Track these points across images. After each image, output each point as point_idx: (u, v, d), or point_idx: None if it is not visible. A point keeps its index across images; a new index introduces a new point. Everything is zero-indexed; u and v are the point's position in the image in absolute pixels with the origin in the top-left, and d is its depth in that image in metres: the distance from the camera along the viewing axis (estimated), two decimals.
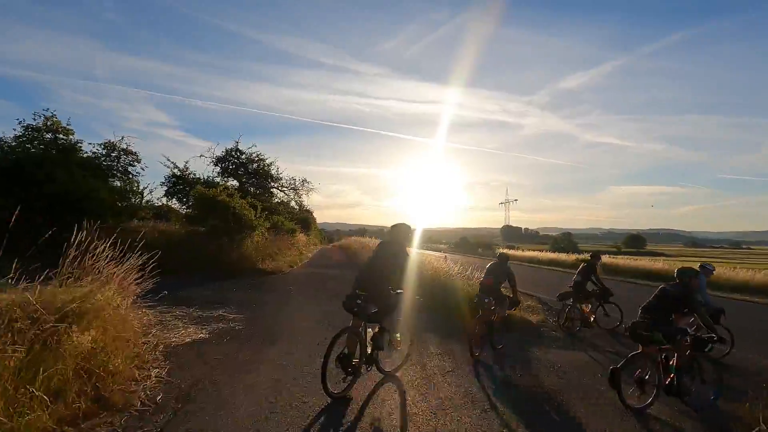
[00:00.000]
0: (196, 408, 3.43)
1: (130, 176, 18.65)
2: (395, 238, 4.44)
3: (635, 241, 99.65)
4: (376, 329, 4.23)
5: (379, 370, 4.34)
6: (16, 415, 2.65)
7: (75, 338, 3.33)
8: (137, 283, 5.20)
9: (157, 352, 4.67)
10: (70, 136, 16.64)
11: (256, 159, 22.92)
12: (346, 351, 3.89)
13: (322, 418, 3.43)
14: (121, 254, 5.23)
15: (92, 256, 4.47)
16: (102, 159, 17.35)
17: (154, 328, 5.84)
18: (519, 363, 5.39)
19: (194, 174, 21.16)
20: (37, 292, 3.37)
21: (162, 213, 19.58)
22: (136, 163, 18.56)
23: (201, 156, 22.02)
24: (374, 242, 21.61)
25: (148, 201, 21.08)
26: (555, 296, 8.32)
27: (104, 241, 4.64)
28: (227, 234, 13.32)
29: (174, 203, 20.93)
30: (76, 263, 4.29)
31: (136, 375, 3.83)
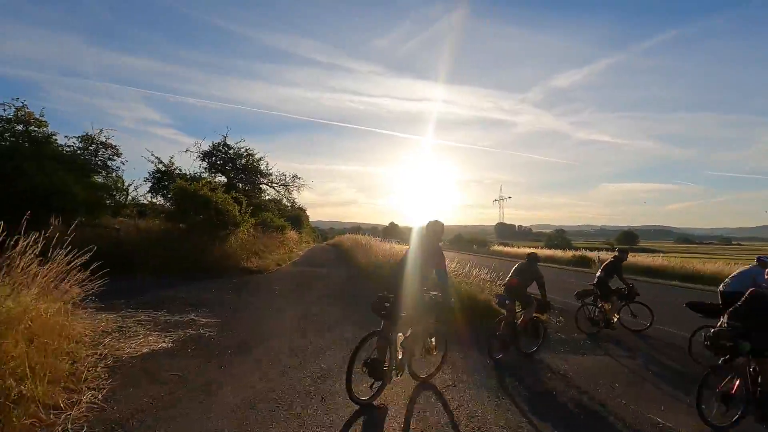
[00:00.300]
0: None
1: (110, 171, 17.80)
2: (430, 237, 4.09)
3: (628, 238, 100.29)
4: (408, 333, 3.97)
5: (412, 376, 4.09)
6: None
7: None
8: (81, 285, 4.45)
9: (100, 368, 3.92)
10: (44, 128, 15.74)
11: (245, 154, 22.07)
12: (374, 355, 3.67)
13: None
14: (71, 254, 4.52)
15: (21, 256, 3.75)
16: (78, 152, 16.44)
17: (109, 337, 5.10)
18: (529, 372, 4.75)
19: (180, 169, 20.29)
20: None
21: (146, 210, 18.71)
22: (116, 157, 17.69)
23: (187, 151, 21.12)
24: (366, 239, 20.89)
25: (134, 198, 20.21)
26: (559, 294, 7.71)
27: (36, 239, 3.91)
28: (209, 231, 12.54)
29: (159, 200, 20.08)
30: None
31: (60, 401, 3.08)
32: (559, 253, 30.81)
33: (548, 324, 7.48)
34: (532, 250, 8.50)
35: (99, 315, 5.99)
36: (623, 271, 7.40)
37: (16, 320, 3.05)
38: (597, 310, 7.09)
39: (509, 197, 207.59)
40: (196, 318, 6.46)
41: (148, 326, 5.82)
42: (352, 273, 13.74)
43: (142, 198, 20.02)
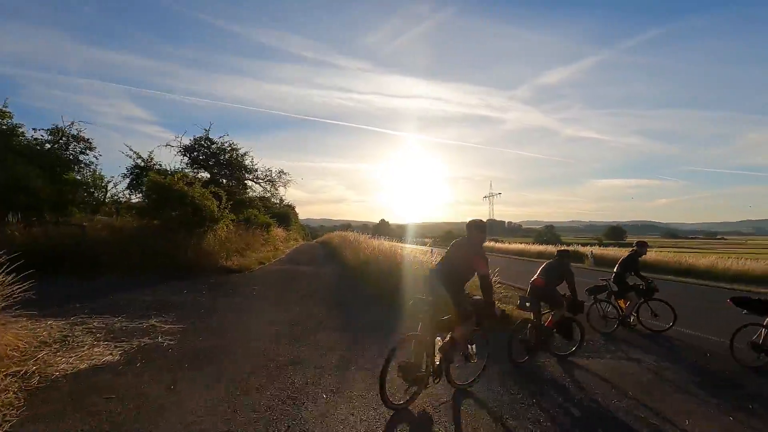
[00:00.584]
0: None
1: (83, 165, 16.79)
2: (471, 237, 3.84)
3: (615, 233, 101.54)
4: (447, 338, 3.78)
5: (450, 383, 3.92)
6: None
7: None
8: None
9: (15, 393, 3.19)
10: (7, 119, 14.69)
11: (228, 149, 21.13)
12: (411, 359, 3.54)
13: None
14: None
15: None
16: (47, 146, 15.41)
17: (47, 349, 4.36)
18: (534, 379, 4.15)
19: (160, 165, 19.29)
20: None
21: (120, 207, 17.73)
22: (88, 151, 16.70)
23: (167, 145, 20.10)
24: (354, 236, 20.21)
25: (113, 195, 19.17)
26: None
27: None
28: (185, 227, 11.70)
29: (139, 197, 19.06)
30: None
31: None
32: (550, 248, 30.63)
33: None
34: (564, 247, 7.96)
35: (43, 322, 5.24)
36: (640, 266, 6.88)
37: None
38: (611, 306, 6.60)
39: (499, 194, 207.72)
40: (157, 324, 5.72)
41: (98, 335, 5.08)
42: (338, 271, 13.05)
43: (120, 195, 19.06)
